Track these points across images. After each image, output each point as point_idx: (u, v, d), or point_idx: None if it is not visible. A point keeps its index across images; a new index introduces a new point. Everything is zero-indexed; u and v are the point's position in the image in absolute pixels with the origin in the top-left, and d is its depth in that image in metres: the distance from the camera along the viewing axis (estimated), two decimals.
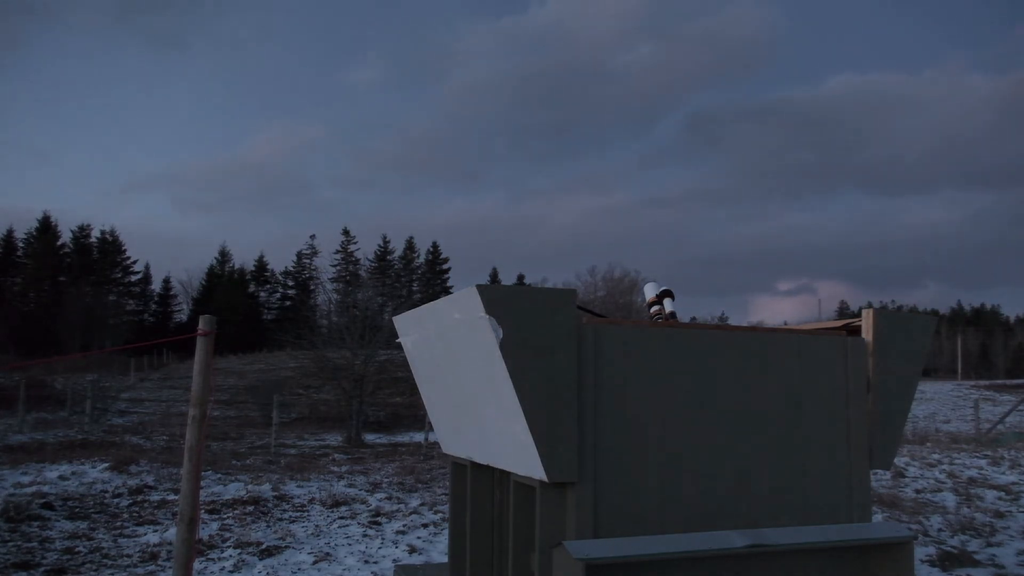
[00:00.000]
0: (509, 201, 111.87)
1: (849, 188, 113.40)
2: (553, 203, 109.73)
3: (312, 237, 73.60)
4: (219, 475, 10.27)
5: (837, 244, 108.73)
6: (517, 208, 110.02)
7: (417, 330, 3.52)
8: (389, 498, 8.60)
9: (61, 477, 9.60)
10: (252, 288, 71.16)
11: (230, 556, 5.90)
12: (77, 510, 7.75)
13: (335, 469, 11.69)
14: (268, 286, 72.87)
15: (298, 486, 9.43)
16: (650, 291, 3.73)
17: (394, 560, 5.84)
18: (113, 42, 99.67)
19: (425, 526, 7.07)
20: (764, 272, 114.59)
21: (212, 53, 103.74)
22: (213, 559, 5.85)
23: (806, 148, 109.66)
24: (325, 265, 73.78)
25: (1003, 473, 10.48)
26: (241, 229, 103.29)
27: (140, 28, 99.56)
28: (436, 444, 14.50)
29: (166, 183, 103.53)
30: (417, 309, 3.43)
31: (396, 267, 72.12)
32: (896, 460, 9.90)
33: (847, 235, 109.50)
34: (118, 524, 7.17)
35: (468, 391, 3.13)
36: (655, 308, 3.68)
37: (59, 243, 64.18)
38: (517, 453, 2.80)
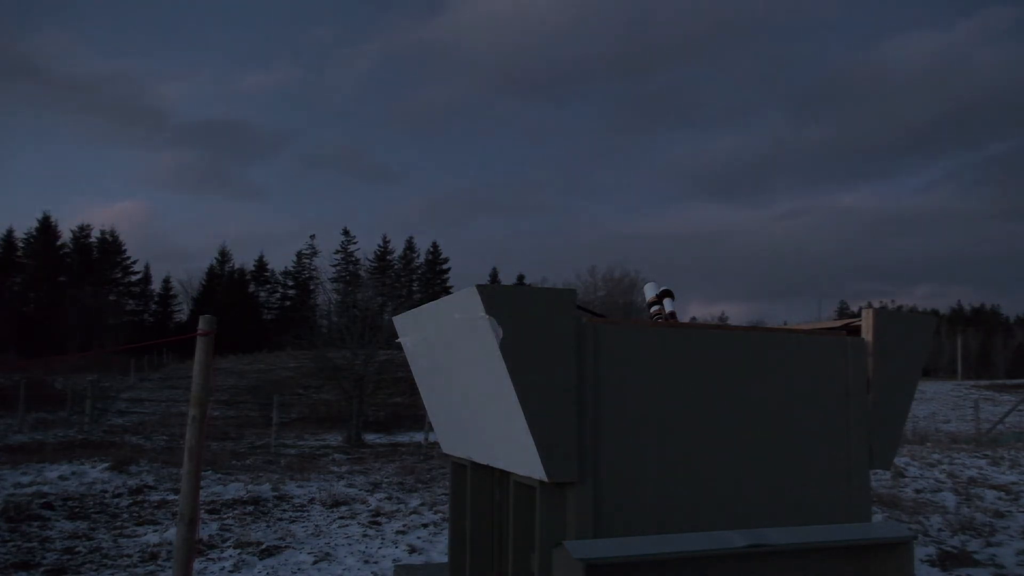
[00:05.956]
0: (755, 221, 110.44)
1: None
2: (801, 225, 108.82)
3: (312, 237, 73.63)
4: (219, 475, 10.27)
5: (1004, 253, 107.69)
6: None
7: (417, 330, 3.52)
8: (389, 498, 8.60)
9: (61, 477, 9.60)
10: (252, 288, 71.15)
11: (230, 556, 5.90)
12: (77, 510, 7.75)
13: (335, 469, 11.70)
14: (268, 286, 72.89)
15: (298, 486, 9.43)
16: (650, 291, 3.74)
17: (394, 560, 5.84)
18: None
19: (425, 526, 7.07)
20: (903, 280, 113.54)
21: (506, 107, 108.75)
22: (213, 559, 5.85)
23: None
24: (325, 265, 73.75)
25: (1003, 473, 10.47)
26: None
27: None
28: (436, 444, 14.48)
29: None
30: (417, 309, 3.42)
31: (396, 267, 72.10)
32: (896, 460, 9.89)
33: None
34: (118, 524, 7.17)
35: (468, 391, 3.12)
36: (655, 308, 3.68)
37: (59, 243, 64.19)
38: (517, 453, 2.80)
